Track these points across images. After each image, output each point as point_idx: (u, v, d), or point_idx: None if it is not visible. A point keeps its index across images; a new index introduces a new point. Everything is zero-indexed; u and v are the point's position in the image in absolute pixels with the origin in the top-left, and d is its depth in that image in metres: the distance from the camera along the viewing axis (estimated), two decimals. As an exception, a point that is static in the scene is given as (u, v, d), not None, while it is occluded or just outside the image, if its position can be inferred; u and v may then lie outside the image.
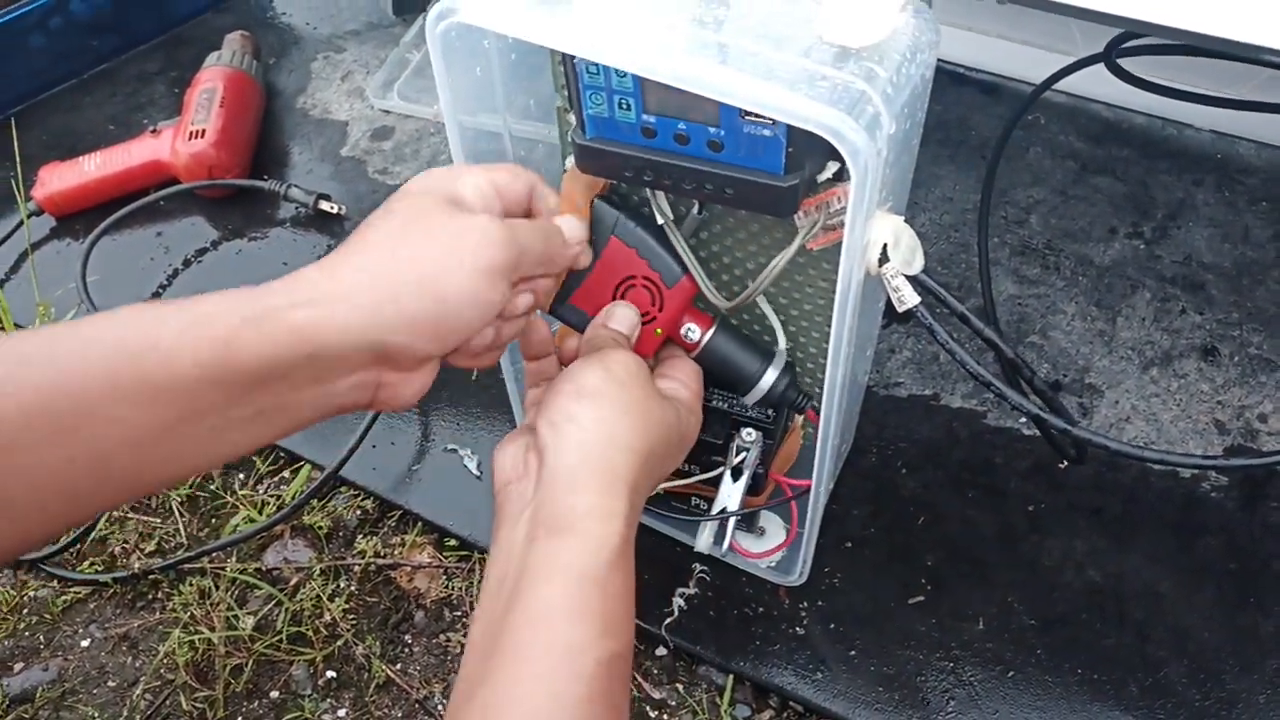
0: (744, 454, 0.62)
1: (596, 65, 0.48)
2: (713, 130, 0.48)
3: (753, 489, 0.63)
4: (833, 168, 0.51)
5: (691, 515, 0.68)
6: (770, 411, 0.63)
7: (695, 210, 0.59)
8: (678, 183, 0.51)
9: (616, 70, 0.48)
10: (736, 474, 0.62)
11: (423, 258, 0.43)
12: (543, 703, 0.41)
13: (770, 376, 0.59)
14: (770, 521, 0.71)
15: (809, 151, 0.48)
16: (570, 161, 0.55)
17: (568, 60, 0.49)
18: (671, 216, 0.57)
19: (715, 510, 0.63)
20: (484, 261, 0.44)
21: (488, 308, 0.45)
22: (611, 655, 0.43)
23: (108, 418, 0.38)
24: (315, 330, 0.41)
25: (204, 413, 0.40)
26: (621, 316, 0.56)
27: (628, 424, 0.49)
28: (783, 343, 0.61)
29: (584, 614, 0.43)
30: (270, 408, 0.41)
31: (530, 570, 0.44)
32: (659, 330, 0.58)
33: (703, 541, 0.64)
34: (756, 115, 0.47)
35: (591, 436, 0.47)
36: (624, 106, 0.49)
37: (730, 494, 0.62)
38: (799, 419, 0.70)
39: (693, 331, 0.59)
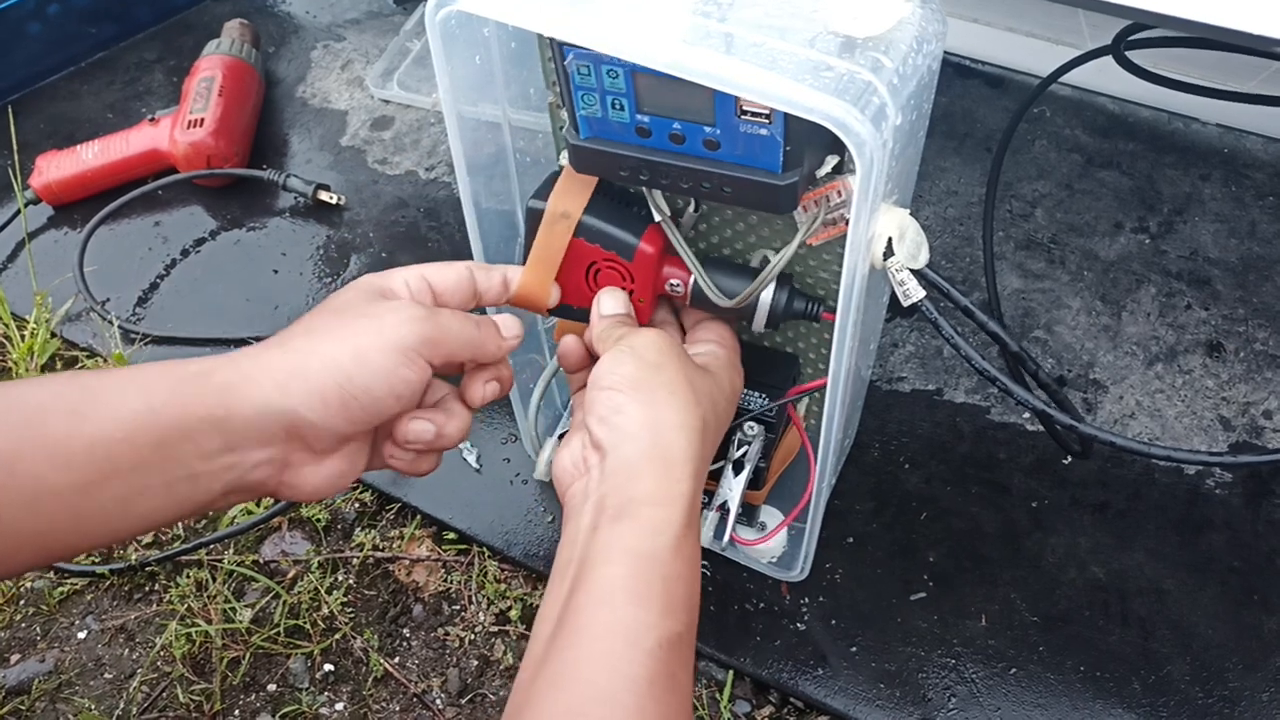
0: (745, 448, 0.61)
1: (587, 66, 0.47)
2: (708, 129, 0.48)
3: (754, 483, 0.62)
4: (831, 161, 0.50)
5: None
6: (772, 408, 0.62)
7: (692, 208, 0.58)
8: (674, 182, 0.50)
9: (608, 70, 0.47)
10: (738, 468, 0.61)
11: (337, 338, 0.46)
12: (605, 680, 0.41)
13: (769, 292, 0.57)
14: (770, 516, 0.71)
15: (807, 147, 0.47)
16: (565, 158, 0.54)
17: (558, 60, 0.48)
18: (669, 213, 0.56)
19: (715, 505, 0.62)
20: (395, 338, 0.47)
21: (400, 384, 0.47)
22: (673, 635, 0.43)
23: (27, 473, 0.40)
24: (230, 394, 0.44)
25: (120, 475, 0.42)
26: (609, 303, 0.56)
27: (675, 404, 0.49)
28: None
29: (646, 595, 0.43)
30: (179, 478, 0.43)
31: (593, 555, 0.45)
32: (642, 300, 0.58)
33: (702, 536, 0.63)
34: (753, 114, 0.46)
35: (641, 425, 0.48)
36: (617, 107, 0.48)
37: (731, 488, 0.61)
38: (800, 410, 0.70)
39: (678, 285, 0.58)
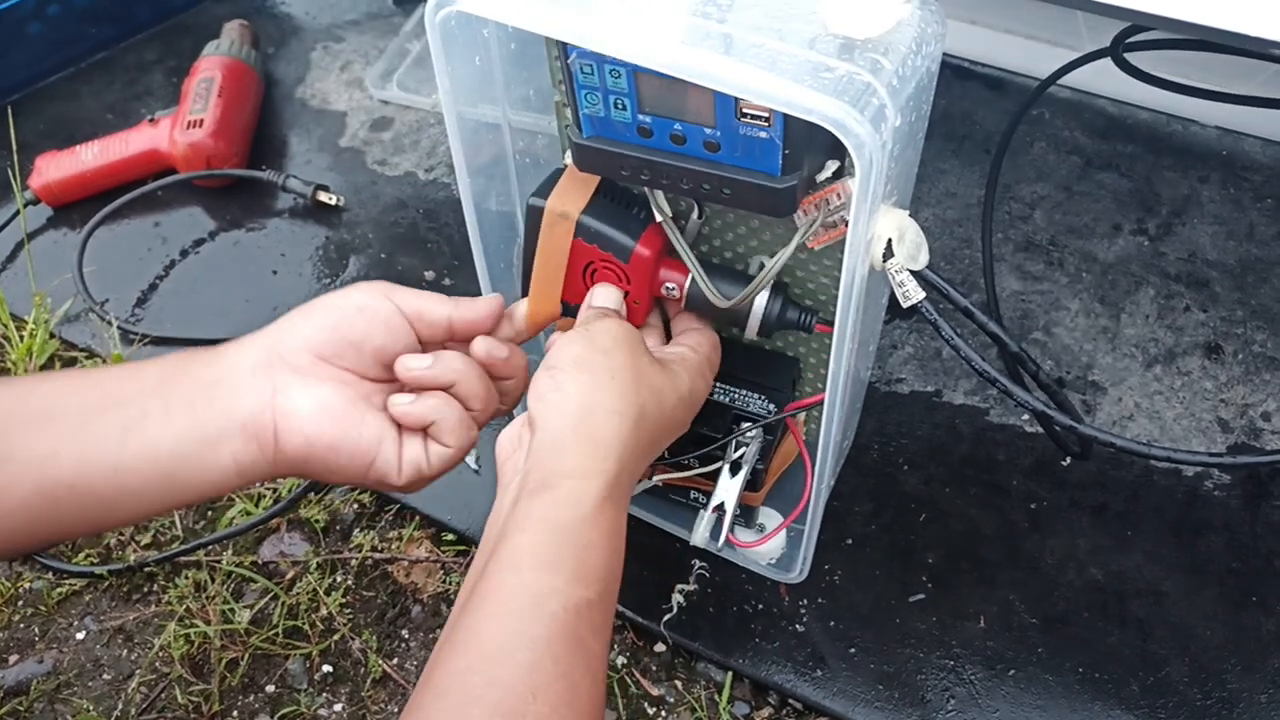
0: (743, 449, 0.61)
1: (590, 65, 0.47)
2: (709, 131, 0.48)
3: (751, 485, 0.62)
4: (832, 166, 0.50)
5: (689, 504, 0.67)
6: (771, 407, 0.62)
7: (695, 215, 0.58)
8: (675, 182, 0.50)
9: (611, 70, 0.47)
10: (735, 469, 0.61)
11: (309, 307, 0.51)
12: (502, 638, 0.42)
13: (763, 298, 0.57)
14: (769, 518, 0.71)
15: (807, 151, 0.48)
16: (569, 157, 0.54)
17: (563, 58, 0.48)
18: (670, 214, 0.56)
19: (712, 506, 0.62)
20: (365, 286, 0.51)
21: (374, 315, 0.50)
22: (583, 601, 0.44)
23: (37, 400, 0.46)
24: (219, 348, 0.50)
25: (119, 404, 0.46)
26: (601, 296, 0.57)
27: (614, 389, 0.49)
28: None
29: (555, 561, 0.44)
30: (177, 406, 0.47)
31: (510, 525, 0.46)
32: (637, 302, 0.58)
33: (699, 536, 0.63)
34: (753, 116, 0.46)
35: (575, 403, 0.49)
36: (620, 106, 0.49)
37: (728, 489, 0.61)
38: (801, 418, 0.70)
39: (673, 289, 0.58)
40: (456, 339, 0.54)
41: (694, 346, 0.58)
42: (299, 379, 0.49)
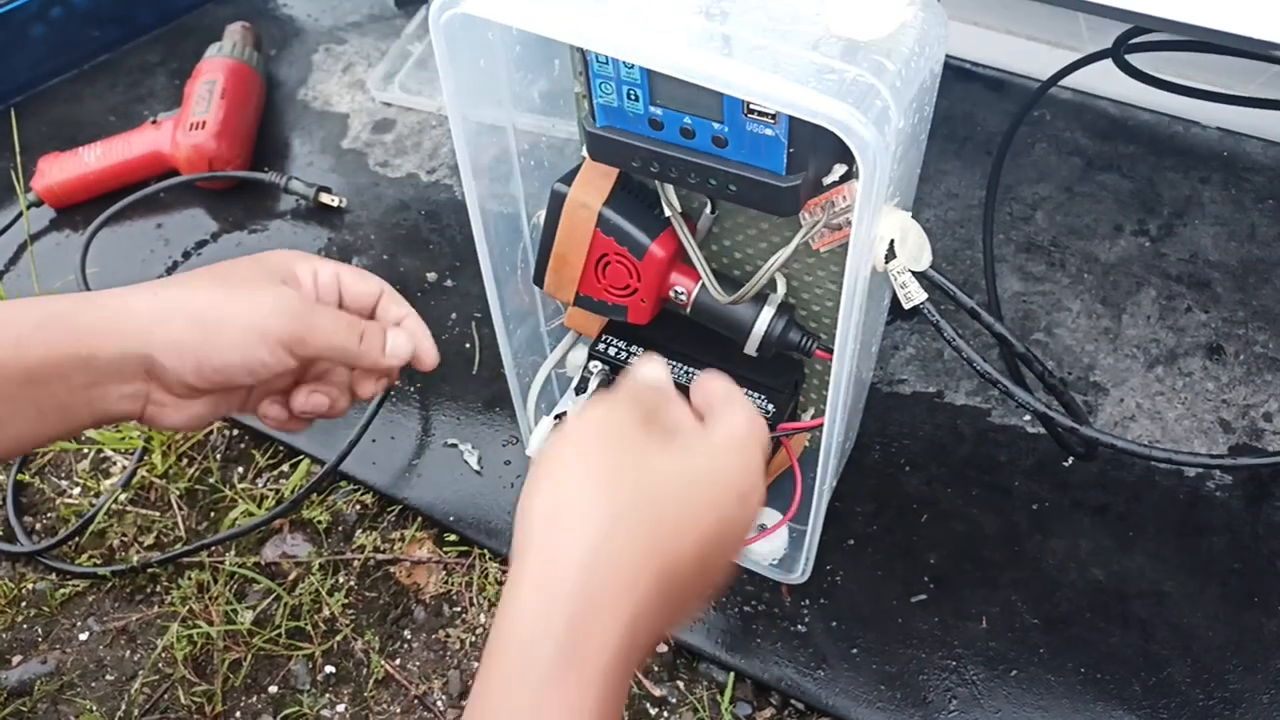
0: None
1: (605, 56, 0.48)
2: (717, 126, 0.48)
3: None
4: (839, 171, 0.51)
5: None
6: (771, 407, 0.62)
7: (708, 210, 0.58)
8: (683, 176, 0.51)
9: (624, 62, 0.48)
10: None
11: (207, 300, 0.47)
12: None
13: (766, 316, 0.58)
14: (770, 517, 0.71)
15: (812, 152, 0.48)
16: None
17: (580, 48, 0.48)
18: (679, 209, 0.57)
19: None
20: (260, 323, 0.47)
21: (257, 365, 0.47)
22: None
23: None
24: (93, 335, 0.45)
25: None
26: (645, 370, 0.43)
27: (585, 487, 0.36)
28: (781, 289, 0.60)
29: None
30: (49, 407, 0.45)
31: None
32: (644, 300, 0.59)
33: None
34: (760, 114, 0.46)
35: (537, 513, 0.36)
36: (632, 97, 0.49)
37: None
38: (806, 417, 0.70)
39: (681, 293, 0.59)
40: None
41: (746, 417, 0.40)
42: (173, 400, 0.48)
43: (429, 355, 0.54)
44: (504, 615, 0.34)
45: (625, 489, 0.35)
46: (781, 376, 0.63)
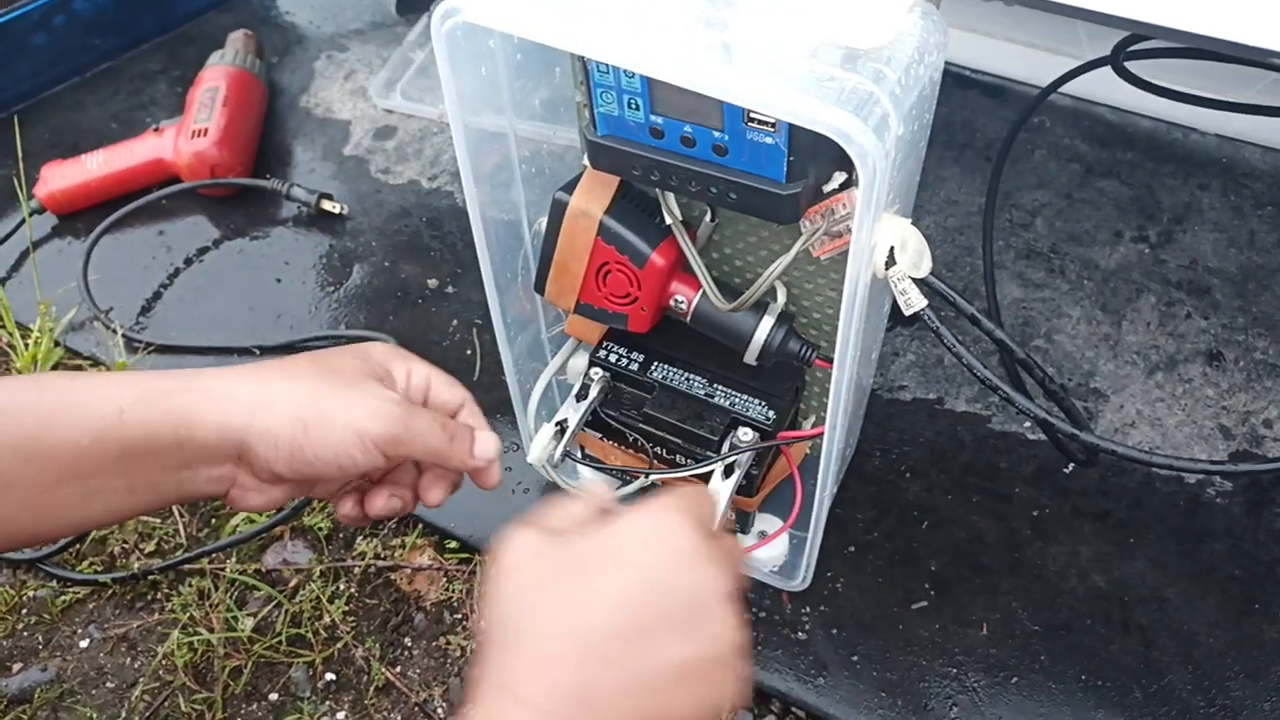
0: (738, 452, 0.61)
1: (606, 64, 0.48)
2: (717, 134, 0.48)
3: (745, 490, 0.62)
4: (839, 178, 0.51)
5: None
6: (771, 414, 0.62)
7: (709, 218, 0.59)
8: (683, 184, 0.51)
9: (625, 70, 0.48)
10: (728, 472, 0.61)
11: (313, 397, 0.47)
12: None
13: (765, 326, 0.58)
14: (768, 523, 0.71)
15: (812, 160, 0.48)
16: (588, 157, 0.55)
17: (581, 57, 0.49)
18: (680, 217, 0.57)
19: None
20: (361, 423, 0.47)
21: (348, 463, 0.48)
22: None
23: (4, 475, 0.43)
24: (194, 415, 0.45)
25: (83, 477, 0.44)
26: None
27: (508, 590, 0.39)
28: (781, 298, 0.60)
29: None
30: (141, 483, 0.46)
31: None
32: (644, 309, 0.59)
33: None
34: (760, 122, 0.46)
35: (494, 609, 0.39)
36: (633, 106, 0.49)
37: (719, 491, 0.61)
38: (807, 426, 0.70)
39: (681, 301, 0.59)
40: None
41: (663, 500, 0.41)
42: (257, 485, 0.49)
43: (498, 471, 0.55)
44: None
45: (527, 593, 0.38)
46: (782, 383, 0.63)
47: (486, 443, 0.53)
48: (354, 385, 0.49)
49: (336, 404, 0.47)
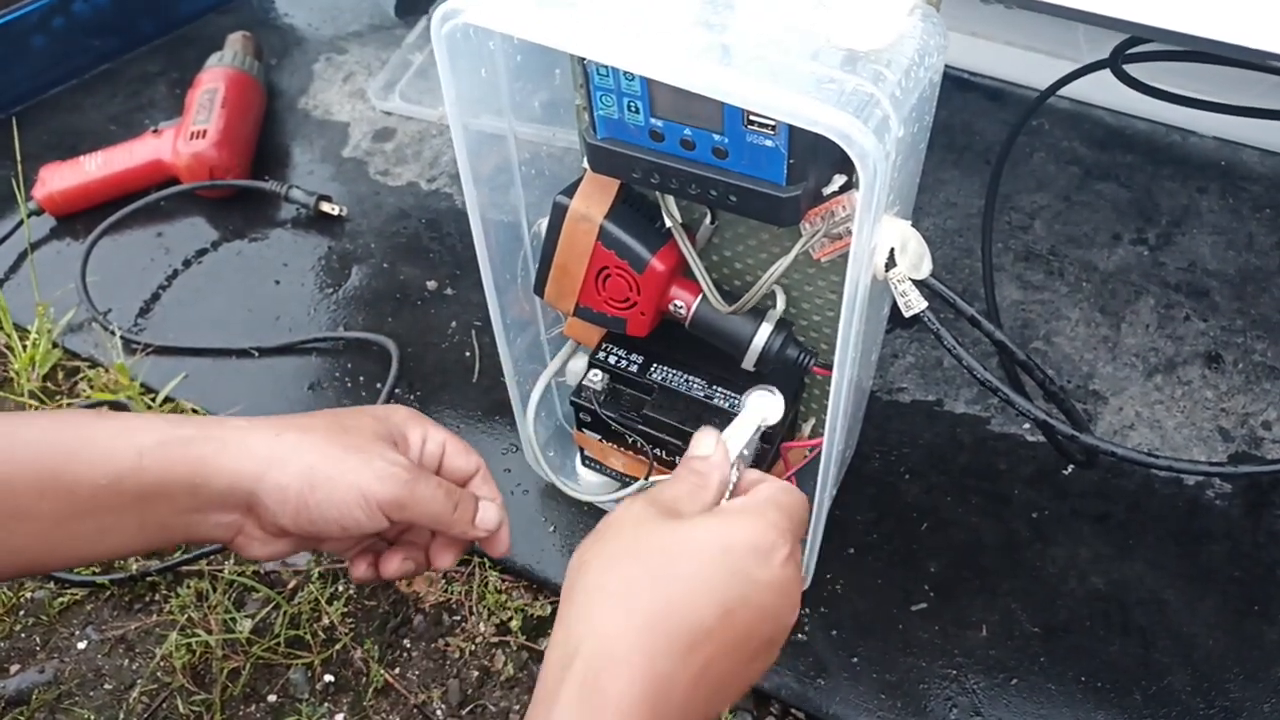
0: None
1: (606, 67, 0.48)
2: (717, 137, 0.48)
3: None
4: (839, 181, 0.51)
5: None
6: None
7: (708, 220, 0.59)
8: (684, 187, 0.51)
9: (625, 73, 0.48)
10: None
11: (325, 456, 0.48)
12: None
13: (764, 332, 0.58)
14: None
15: (812, 163, 0.48)
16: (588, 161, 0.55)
17: (581, 60, 0.49)
18: (680, 220, 0.57)
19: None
20: (367, 486, 0.48)
21: (351, 524, 0.49)
22: None
23: (13, 499, 0.45)
24: (210, 464, 0.47)
25: (98, 515, 0.46)
26: (701, 443, 0.48)
27: (611, 564, 0.40)
28: (780, 305, 0.60)
29: None
30: (151, 524, 0.47)
31: None
32: (643, 313, 0.59)
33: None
34: (759, 125, 0.46)
35: (571, 584, 0.41)
36: (633, 109, 0.49)
37: None
38: (806, 430, 0.70)
39: (680, 306, 0.59)
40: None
41: (770, 493, 0.44)
42: (262, 535, 0.50)
43: (505, 539, 0.56)
44: (543, 665, 0.38)
45: (633, 566, 0.39)
46: (781, 385, 0.63)
47: (489, 513, 0.54)
48: (365, 447, 0.50)
49: (344, 465, 0.49)
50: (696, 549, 0.40)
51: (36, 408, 0.85)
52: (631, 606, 0.38)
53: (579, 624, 0.38)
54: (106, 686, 0.71)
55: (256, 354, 0.88)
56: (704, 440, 0.47)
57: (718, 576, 0.39)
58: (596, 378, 0.65)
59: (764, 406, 0.54)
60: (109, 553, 0.49)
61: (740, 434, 0.49)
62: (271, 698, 0.70)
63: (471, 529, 0.53)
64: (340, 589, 0.75)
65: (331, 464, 0.48)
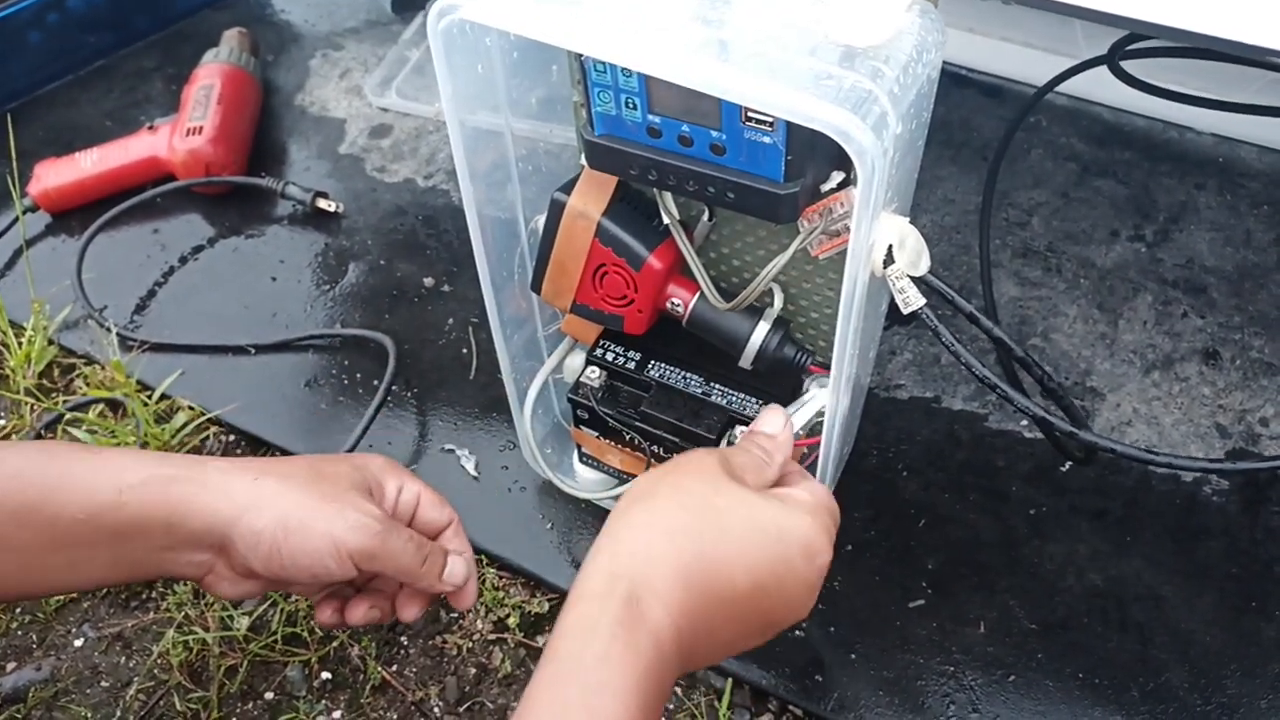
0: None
1: (603, 64, 0.48)
2: (715, 134, 0.48)
3: None
4: (837, 178, 0.51)
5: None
6: None
7: (706, 217, 0.59)
8: (681, 184, 0.51)
9: (622, 70, 0.48)
10: None
11: (301, 505, 0.50)
12: None
13: (761, 330, 0.58)
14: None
15: (810, 159, 0.48)
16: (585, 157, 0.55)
17: (578, 56, 0.49)
18: (678, 217, 0.57)
19: None
20: (339, 535, 0.50)
21: (321, 571, 0.50)
22: None
23: (1, 536, 0.46)
24: (187, 504, 0.49)
25: (74, 548, 0.48)
26: (766, 421, 0.51)
27: (672, 511, 0.44)
28: (778, 303, 0.60)
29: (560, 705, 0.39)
30: (125, 559, 0.49)
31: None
32: (641, 311, 0.59)
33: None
34: (757, 121, 0.46)
35: (624, 525, 0.44)
36: (630, 105, 0.49)
37: None
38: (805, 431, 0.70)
39: (678, 305, 0.59)
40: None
41: (810, 491, 0.48)
42: (232, 575, 0.52)
43: (472, 594, 0.57)
44: (580, 582, 0.42)
45: (689, 512, 0.43)
46: (779, 382, 0.63)
47: (456, 568, 0.55)
48: (339, 496, 0.51)
49: (319, 514, 0.50)
50: (755, 525, 0.44)
51: (32, 405, 0.84)
52: (682, 547, 0.42)
53: (630, 555, 0.42)
54: (103, 684, 0.71)
55: (253, 351, 0.87)
56: (773, 419, 0.50)
57: (765, 555, 0.43)
58: (594, 375, 0.65)
59: (823, 397, 0.54)
60: (79, 585, 0.52)
61: (802, 418, 0.51)
62: (269, 695, 0.70)
63: (438, 583, 0.54)
64: (337, 586, 0.75)
65: (306, 512, 0.49)
